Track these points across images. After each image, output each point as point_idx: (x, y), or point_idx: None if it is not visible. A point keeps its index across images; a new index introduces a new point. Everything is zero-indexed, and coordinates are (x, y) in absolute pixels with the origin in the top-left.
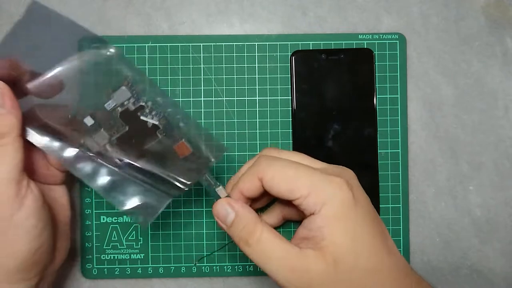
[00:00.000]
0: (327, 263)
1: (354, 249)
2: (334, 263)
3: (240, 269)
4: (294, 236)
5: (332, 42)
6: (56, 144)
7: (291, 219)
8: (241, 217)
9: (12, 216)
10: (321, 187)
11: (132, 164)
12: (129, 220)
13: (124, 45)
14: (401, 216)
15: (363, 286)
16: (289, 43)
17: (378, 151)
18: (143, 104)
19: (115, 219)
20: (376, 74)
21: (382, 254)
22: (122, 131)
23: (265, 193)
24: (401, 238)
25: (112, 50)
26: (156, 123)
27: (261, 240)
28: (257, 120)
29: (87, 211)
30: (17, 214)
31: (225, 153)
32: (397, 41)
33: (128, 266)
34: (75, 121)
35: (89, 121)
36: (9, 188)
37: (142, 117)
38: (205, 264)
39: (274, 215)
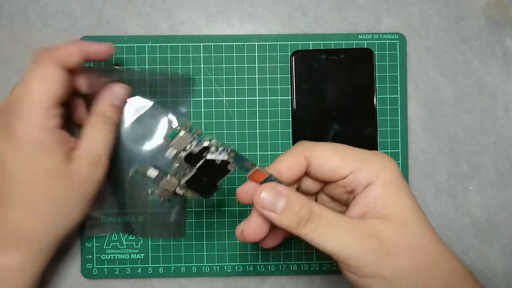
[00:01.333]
0: (396, 227)
1: (418, 216)
2: (404, 227)
3: (240, 269)
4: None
5: (332, 42)
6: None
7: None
8: (294, 199)
9: (62, 165)
10: (372, 159)
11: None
12: (129, 220)
13: (124, 45)
14: None
15: (436, 259)
16: (289, 43)
17: (378, 151)
18: (207, 144)
19: (115, 219)
20: (376, 74)
21: (441, 240)
22: (190, 174)
23: (280, 230)
24: None
25: (150, 102)
26: (225, 158)
27: (323, 216)
28: (257, 120)
29: None
30: (67, 165)
31: None
32: (397, 41)
33: (128, 266)
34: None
35: (152, 173)
36: (105, 169)
37: (209, 156)
38: (205, 264)
39: None
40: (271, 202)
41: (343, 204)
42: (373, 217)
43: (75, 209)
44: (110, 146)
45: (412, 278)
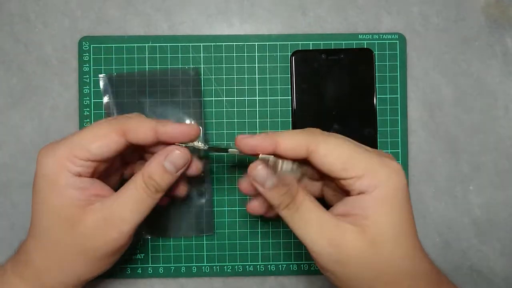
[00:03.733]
0: (365, 241)
1: (395, 235)
2: (373, 244)
3: (240, 269)
4: (330, 210)
5: (332, 42)
6: None
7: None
8: (283, 182)
9: (121, 250)
10: (377, 170)
11: None
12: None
13: (124, 45)
14: None
15: (397, 276)
16: (289, 43)
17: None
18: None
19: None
20: (376, 74)
21: (420, 253)
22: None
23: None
24: None
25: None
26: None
27: (302, 206)
28: (257, 120)
29: None
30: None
31: (225, 154)
32: (397, 41)
33: (128, 266)
34: None
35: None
36: (133, 232)
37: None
38: (205, 264)
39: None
40: (263, 179)
41: (343, 193)
42: (352, 222)
43: (77, 261)
44: (142, 214)
45: (366, 286)
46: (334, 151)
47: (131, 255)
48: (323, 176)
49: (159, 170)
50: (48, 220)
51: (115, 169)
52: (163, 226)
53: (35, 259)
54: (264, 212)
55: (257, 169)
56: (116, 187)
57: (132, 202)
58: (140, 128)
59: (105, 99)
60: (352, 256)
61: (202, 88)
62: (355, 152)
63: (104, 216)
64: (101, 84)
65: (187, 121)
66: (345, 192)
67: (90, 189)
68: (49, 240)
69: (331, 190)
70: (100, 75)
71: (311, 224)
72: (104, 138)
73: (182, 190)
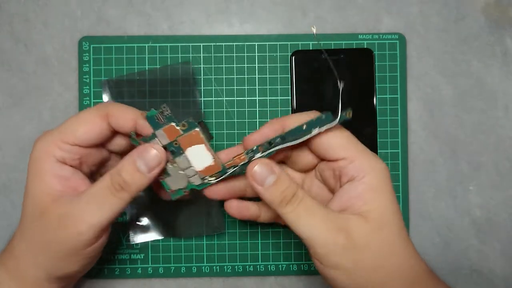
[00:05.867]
0: (370, 225)
1: (395, 222)
2: (378, 228)
3: (240, 269)
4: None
5: (332, 42)
6: None
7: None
8: (284, 179)
9: (83, 250)
10: (368, 157)
11: None
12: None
13: (124, 45)
14: None
15: (400, 264)
16: (289, 43)
17: (378, 151)
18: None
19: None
20: (376, 74)
21: (413, 247)
22: None
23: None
24: None
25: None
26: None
27: (303, 201)
28: (257, 120)
29: None
30: (87, 250)
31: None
32: (397, 41)
33: (128, 266)
34: None
35: None
36: (94, 233)
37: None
38: (205, 264)
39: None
40: (262, 176)
41: (330, 190)
42: (352, 212)
43: (44, 254)
44: (105, 215)
45: (374, 275)
46: (336, 131)
47: (131, 255)
48: (307, 170)
49: (129, 168)
50: (27, 206)
51: (112, 167)
52: (174, 226)
53: (16, 247)
54: (256, 216)
55: (256, 168)
56: None
57: (94, 201)
58: (121, 114)
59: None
60: (361, 240)
61: (202, 88)
62: (352, 137)
63: (66, 211)
64: (103, 90)
65: None
66: (337, 181)
67: (69, 180)
68: (26, 226)
69: (318, 182)
70: (102, 81)
71: (315, 217)
72: (89, 123)
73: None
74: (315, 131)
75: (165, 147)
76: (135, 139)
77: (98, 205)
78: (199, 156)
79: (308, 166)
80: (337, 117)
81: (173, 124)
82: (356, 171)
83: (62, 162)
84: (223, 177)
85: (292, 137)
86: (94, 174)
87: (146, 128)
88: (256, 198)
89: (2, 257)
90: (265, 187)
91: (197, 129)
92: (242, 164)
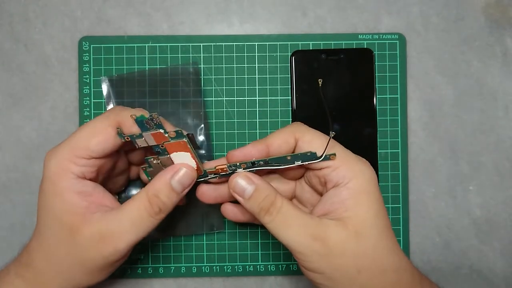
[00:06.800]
0: (348, 232)
1: (377, 225)
2: (356, 235)
3: (240, 269)
4: (311, 212)
5: (332, 42)
6: None
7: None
8: (261, 189)
9: (115, 263)
10: (353, 162)
11: None
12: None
13: (124, 45)
14: (401, 216)
15: (382, 269)
16: (289, 43)
17: (378, 151)
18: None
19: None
20: (376, 74)
21: (400, 250)
22: None
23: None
24: (401, 238)
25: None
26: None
27: (282, 209)
28: (257, 120)
29: None
30: (118, 263)
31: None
32: (397, 41)
33: (128, 266)
34: None
35: None
36: (130, 250)
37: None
38: (205, 264)
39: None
40: (242, 188)
41: (319, 194)
42: (333, 218)
43: (74, 269)
44: (140, 234)
45: (356, 279)
46: (318, 139)
47: (131, 255)
48: (297, 178)
49: (166, 189)
50: (50, 224)
51: (121, 171)
52: (173, 225)
53: (36, 261)
54: (253, 219)
55: (235, 180)
56: (123, 189)
57: (131, 221)
58: (133, 122)
59: (106, 100)
60: (336, 247)
61: (202, 88)
62: (335, 144)
63: (101, 230)
64: (103, 86)
65: (188, 121)
66: (324, 186)
67: (92, 195)
68: (50, 243)
69: (307, 187)
70: (102, 78)
71: (293, 225)
72: (101, 134)
73: (182, 200)
74: (298, 163)
75: (150, 147)
76: (122, 134)
77: (137, 226)
78: (183, 161)
79: (297, 176)
80: (321, 157)
81: (161, 131)
82: (340, 178)
83: (82, 178)
84: (203, 179)
85: (276, 164)
86: (106, 179)
87: (133, 129)
88: None
89: (19, 269)
90: (245, 198)
91: (184, 139)
92: (222, 174)
